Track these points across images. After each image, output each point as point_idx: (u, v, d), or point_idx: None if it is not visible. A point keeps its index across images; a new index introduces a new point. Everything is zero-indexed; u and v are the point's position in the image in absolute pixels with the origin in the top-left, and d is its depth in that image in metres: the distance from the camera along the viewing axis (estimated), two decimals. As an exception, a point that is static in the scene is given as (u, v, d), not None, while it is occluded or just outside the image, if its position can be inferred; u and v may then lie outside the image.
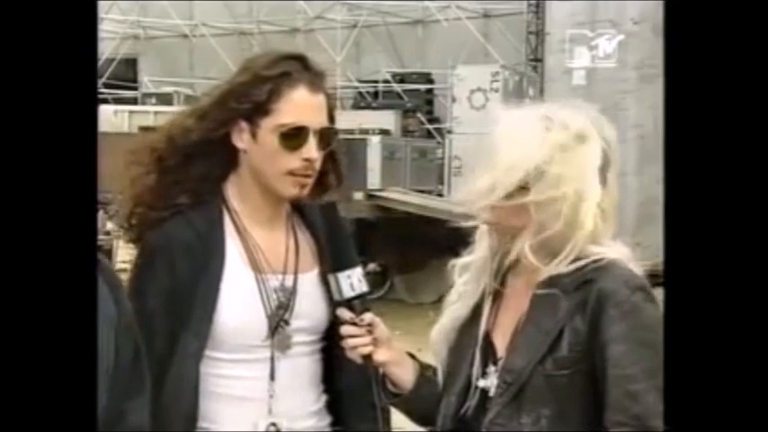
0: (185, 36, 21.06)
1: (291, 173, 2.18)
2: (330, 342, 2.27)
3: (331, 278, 2.07)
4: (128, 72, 21.42)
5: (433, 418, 2.02)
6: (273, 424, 2.20)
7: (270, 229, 2.26)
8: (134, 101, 19.31)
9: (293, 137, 2.17)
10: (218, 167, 2.23)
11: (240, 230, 2.23)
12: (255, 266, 2.22)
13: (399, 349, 2.10)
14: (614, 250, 1.92)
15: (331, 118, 2.25)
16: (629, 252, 1.93)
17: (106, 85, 18.25)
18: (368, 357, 2.05)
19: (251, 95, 2.17)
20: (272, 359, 2.21)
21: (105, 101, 17.30)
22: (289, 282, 2.24)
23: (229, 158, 2.22)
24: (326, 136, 2.22)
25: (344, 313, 2.06)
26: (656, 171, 12.22)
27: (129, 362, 1.77)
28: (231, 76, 2.25)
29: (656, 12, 13.64)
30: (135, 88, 20.54)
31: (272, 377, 2.21)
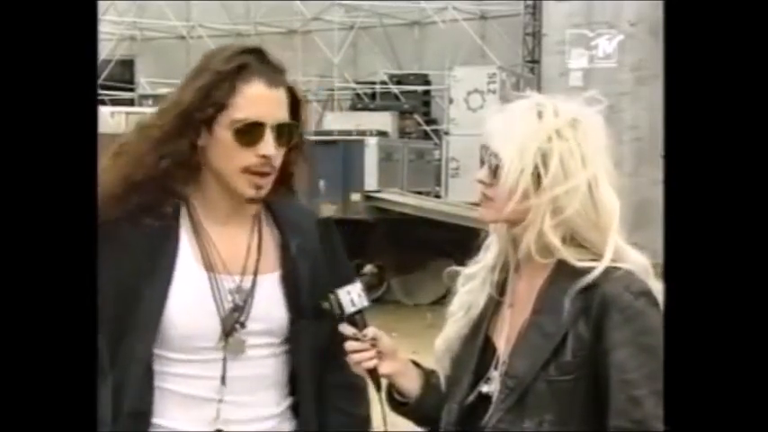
0: (182, 37, 21.00)
1: (247, 170, 2.10)
2: (293, 345, 2.21)
3: (331, 295, 2.04)
4: (124, 73, 21.38)
5: (439, 423, 2.03)
6: (219, 431, 2.13)
7: (230, 228, 2.18)
8: (131, 102, 19.28)
9: (248, 132, 2.09)
10: (181, 166, 2.14)
11: (196, 229, 2.15)
12: (209, 266, 2.14)
13: (403, 359, 2.11)
14: (632, 259, 1.91)
15: (294, 114, 2.17)
16: (646, 262, 1.92)
17: (103, 87, 18.18)
18: (373, 371, 2.05)
19: (214, 97, 2.09)
20: (223, 362, 2.13)
21: (102, 102, 17.24)
22: (247, 283, 2.16)
23: (191, 155, 2.13)
24: (287, 132, 2.14)
25: (347, 329, 2.05)
26: (653, 173, 12.22)
27: None
28: (193, 73, 2.16)
29: (653, 13, 13.66)
30: (132, 89, 20.51)
31: (222, 381, 2.13)
